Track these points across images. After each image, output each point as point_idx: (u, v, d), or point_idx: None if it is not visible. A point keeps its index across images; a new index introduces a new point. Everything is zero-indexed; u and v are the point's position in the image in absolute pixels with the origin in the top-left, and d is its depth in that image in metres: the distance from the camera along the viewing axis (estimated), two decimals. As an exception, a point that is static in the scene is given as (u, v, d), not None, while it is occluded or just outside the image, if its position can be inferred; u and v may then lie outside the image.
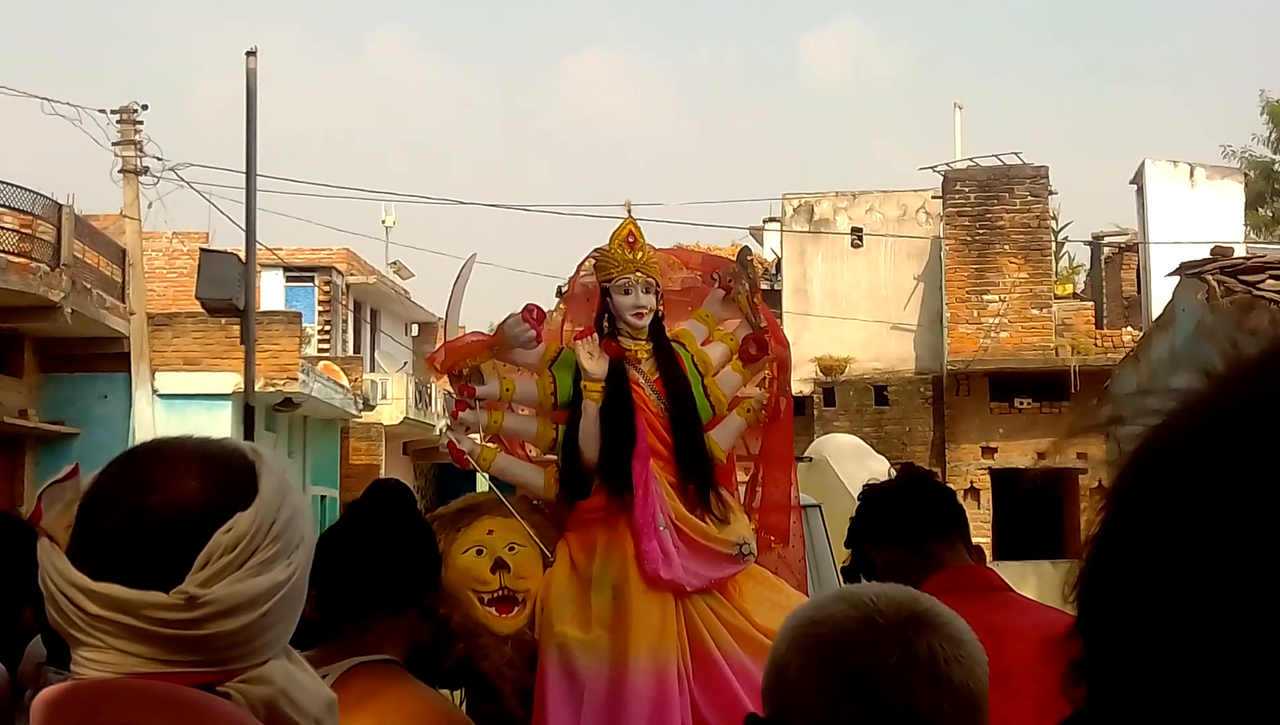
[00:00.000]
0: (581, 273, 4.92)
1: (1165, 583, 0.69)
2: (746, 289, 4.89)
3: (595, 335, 4.72)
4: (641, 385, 4.65)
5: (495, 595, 4.42)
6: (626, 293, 4.67)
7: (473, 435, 4.76)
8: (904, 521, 2.96)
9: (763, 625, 4.45)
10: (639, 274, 4.68)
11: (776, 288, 26.21)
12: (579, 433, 4.61)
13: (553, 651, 4.37)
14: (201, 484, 1.47)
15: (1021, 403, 23.80)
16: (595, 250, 4.81)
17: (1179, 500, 0.70)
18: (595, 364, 4.64)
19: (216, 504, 1.46)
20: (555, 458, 4.71)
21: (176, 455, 1.51)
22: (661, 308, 4.78)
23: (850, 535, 3.10)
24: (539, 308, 4.65)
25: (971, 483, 23.92)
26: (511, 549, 4.48)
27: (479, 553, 4.46)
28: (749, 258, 5.05)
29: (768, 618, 4.48)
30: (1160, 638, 0.69)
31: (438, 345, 4.99)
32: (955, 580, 2.82)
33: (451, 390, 4.68)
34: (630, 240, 4.73)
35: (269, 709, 1.43)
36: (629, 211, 4.83)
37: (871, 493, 3.11)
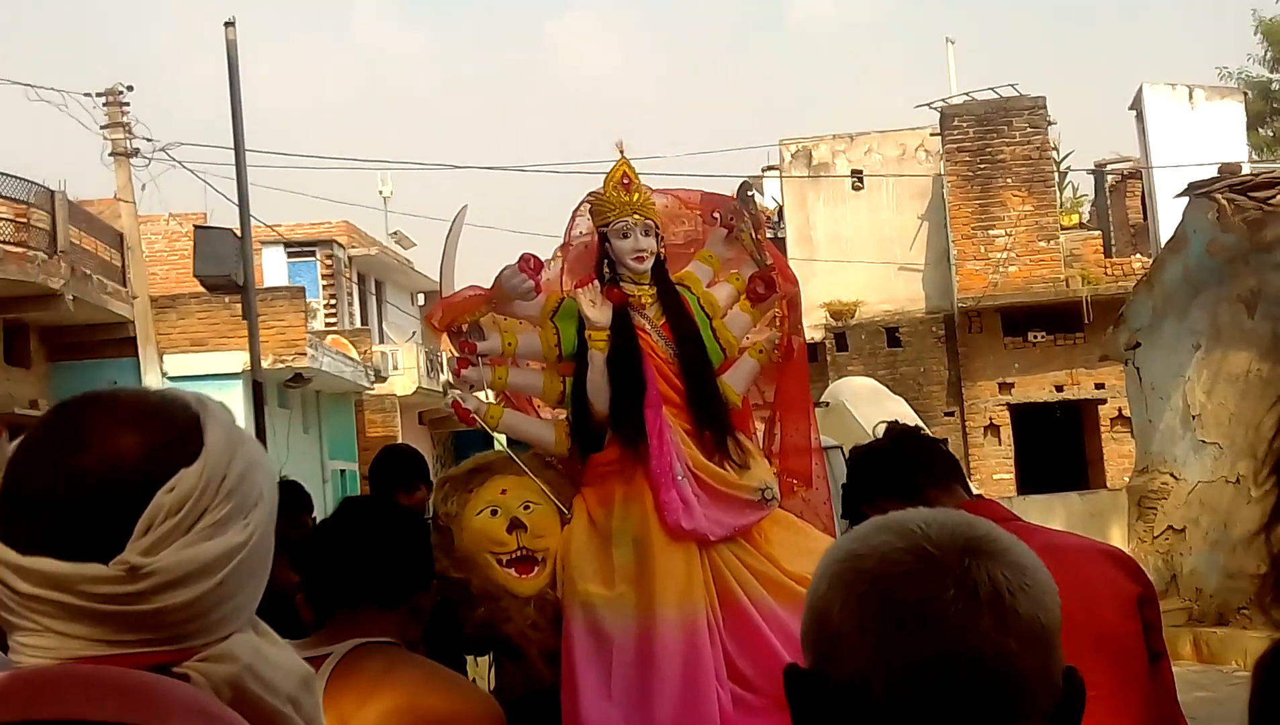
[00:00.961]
0: (577, 218, 4.75)
1: None
2: (750, 227, 4.72)
3: (596, 282, 4.56)
4: (648, 331, 4.49)
5: (514, 556, 4.30)
6: (625, 236, 4.51)
7: (479, 393, 4.61)
8: (896, 473, 2.85)
9: (792, 571, 4.32)
10: (636, 216, 4.52)
11: (780, 235, 25.98)
12: (587, 384, 4.46)
13: (577, 610, 4.24)
14: (139, 439, 1.28)
15: (1035, 336, 23.61)
16: (590, 194, 4.65)
17: None
18: (598, 312, 4.48)
19: (157, 461, 1.27)
20: (565, 411, 4.57)
21: (110, 408, 1.31)
22: (663, 251, 4.61)
23: (845, 502, 3.00)
24: (536, 257, 4.49)
25: (990, 419, 23.78)
26: (527, 507, 4.34)
27: (493, 513, 4.33)
28: (750, 193, 4.88)
29: (797, 563, 4.34)
30: None
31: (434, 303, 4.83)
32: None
33: (452, 348, 4.52)
34: (625, 182, 4.57)
35: (234, 689, 1.26)
36: (621, 152, 4.65)
37: (859, 455, 3.02)
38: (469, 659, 4.94)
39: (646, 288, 4.56)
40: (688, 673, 4.09)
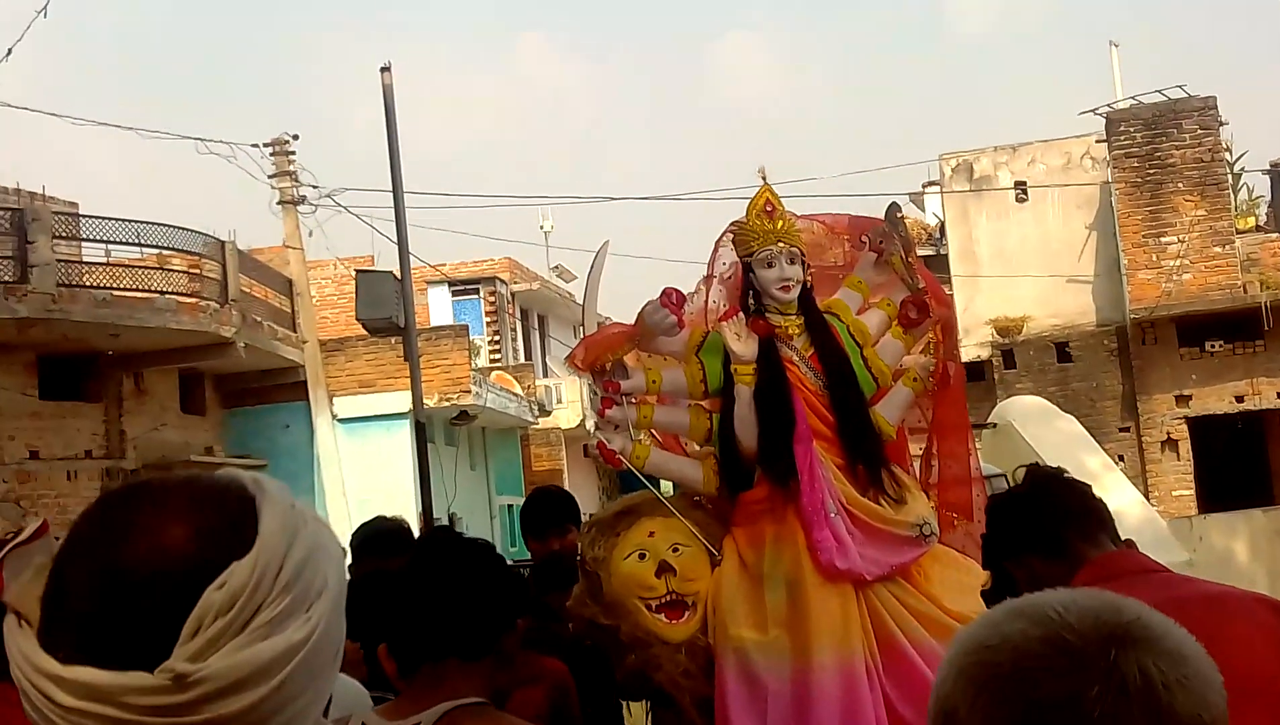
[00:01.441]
0: (720, 249, 4.62)
1: None
2: (900, 249, 4.55)
3: (741, 314, 4.43)
4: (796, 363, 4.35)
5: (663, 601, 4.18)
6: (770, 266, 4.37)
7: (628, 432, 4.50)
8: (1038, 526, 2.62)
9: (954, 610, 4.13)
10: (781, 244, 4.38)
11: (942, 252, 25.52)
12: (734, 420, 4.33)
13: (730, 656, 4.11)
14: (187, 529, 1.17)
15: (1213, 345, 22.75)
16: (732, 224, 4.52)
17: None
18: (744, 345, 4.35)
19: (206, 553, 1.16)
20: (712, 449, 4.44)
21: (156, 496, 1.20)
22: (810, 277, 4.46)
23: (985, 554, 2.79)
24: (678, 291, 4.37)
25: (1168, 434, 22.97)
26: (675, 550, 4.23)
27: (641, 557, 4.22)
28: (898, 215, 4.71)
29: (959, 602, 4.16)
30: None
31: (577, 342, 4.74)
32: (1105, 568, 2.50)
33: (596, 387, 4.42)
34: (769, 209, 4.43)
35: None
36: (764, 178, 4.52)
37: (998, 504, 2.79)
38: (624, 706, 4.84)
39: (793, 317, 4.42)
40: (846, 718, 3.93)
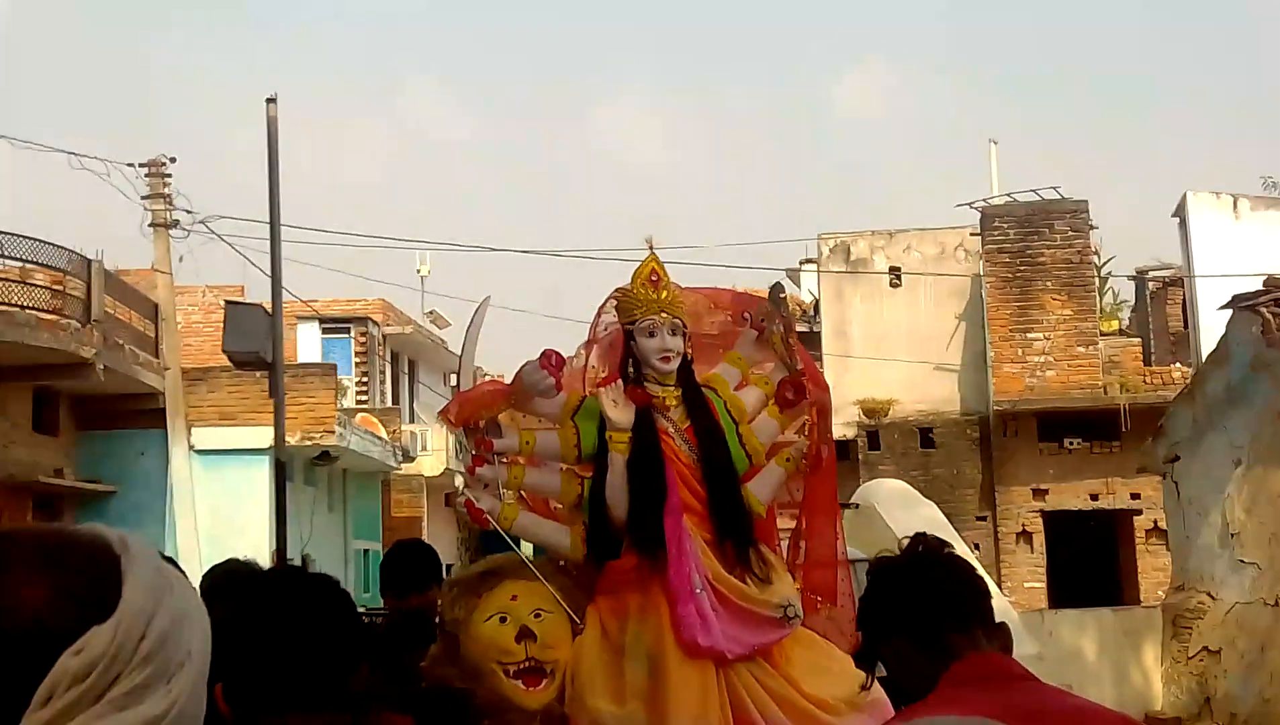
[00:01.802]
0: (603, 314, 4.59)
1: None
2: (781, 329, 4.55)
3: (620, 382, 4.39)
4: (671, 434, 4.32)
5: (522, 666, 4.11)
6: (651, 335, 4.35)
7: (498, 492, 4.42)
8: (913, 609, 2.56)
9: (812, 694, 4.13)
10: (664, 315, 4.36)
11: (815, 329, 25.82)
12: (605, 487, 4.29)
13: (584, 727, 4.05)
14: (44, 589, 1.08)
15: (1071, 443, 23.26)
16: (616, 290, 4.49)
17: None
18: (621, 413, 4.31)
19: (63, 616, 1.07)
20: (582, 515, 4.38)
21: (12, 550, 1.11)
22: (690, 351, 4.44)
23: (859, 622, 2.73)
24: (558, 354, 4.32)
25: (1023, 526, 23.39)
26: (537, 615, 4.16)
27: (502, 620, 4.14)
28: (781, 295, 4.73)
29: (817, 686, 4.15)
30: None
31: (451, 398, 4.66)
32: (975, 669, 2.46)
33: (468, 444, 4.34)
34: (654, 279, 4.41)
35: None
36: (651, 248, 4.50)
37: (878, 573, 2.71)
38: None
39: (672, 389, 4.40)
40: (699, 800, 3.87)
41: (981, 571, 2.78)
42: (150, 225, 19.53)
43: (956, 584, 2.60)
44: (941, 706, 2.42)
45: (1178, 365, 24.04)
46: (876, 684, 4.35)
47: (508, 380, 4.47)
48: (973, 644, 2.51)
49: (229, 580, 5.02)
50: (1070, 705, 2.47)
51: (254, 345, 13.47)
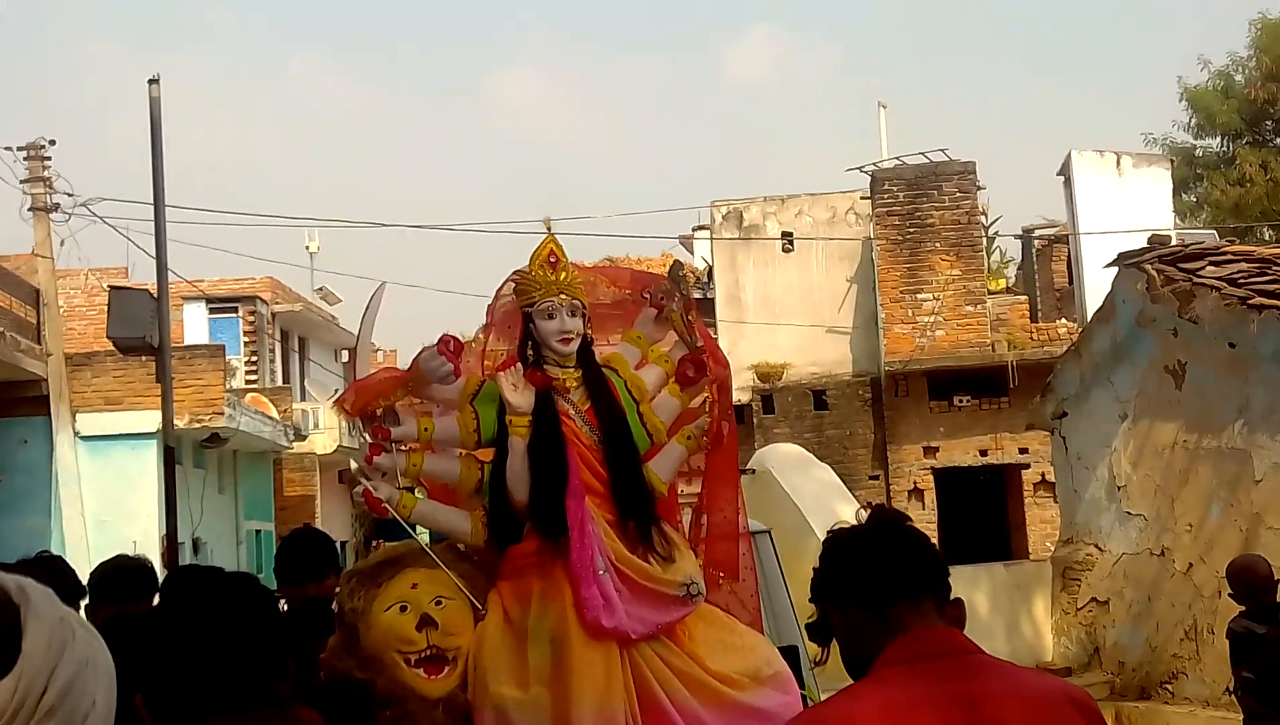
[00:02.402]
0: (501, 297, 4.54)
1: None
2: (680, 307, 4.54)
3: (519, 365, 4.35)
4: (572, 416, 4.30)
5: (423, 655, 4.07)
6: (550, 317, 4.32)
7: (396, 480, 4.37)
8: (866, 579, 2.56)
9: (716, 670, 4.14)
10: (563, 296, 4.33)
11: (709, 296, 25.90)
12: (506, 472, 4.25)
13: (488, 714, 4.02)
14: None
15: (961, 400, 23.62)
16: (515, 273, 4.45)
17: None
18: (520, 396, 4.28)
19: None
20: (482, 500, 4.34)
21: None
22: (590, 332, 4.42)
23: (813, 589, 2.71)
24: (455, 339, 4.28)
25: (915, 483, 23.72)
26: (438, 603, 4.12)
27: (403, 609, 4.10)
28: (681, 272, 4.71)
29: (721, 661, 4.17)
30: None
31: (346, 385, 4.59)
32: (917, 645, 2.46)
33: (365, 433, 4.28)
34: (552, 260, 4.38)
35: None
36: (549, 229, 4.47)
37: (836, 541, 2.70)
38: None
39: (571, 371, 4.37)
40: (606, 781, 3.87)
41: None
42: (30, 209, 19.05)
43: (909, 555, 2.58)
44: (868, 690, 2.42)
45: (1063, 321, 24.47)
46: (780, 658, 4.40)
47: (401, 357, 4.42)
48: (921, 617, 2.50)
49: (116, 577, 4.92)
50: (1007, 686, 2.46)
51: (139, 330, 13.19)
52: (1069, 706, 2.46)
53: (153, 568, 5.08)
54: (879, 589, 2.53)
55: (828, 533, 2.74)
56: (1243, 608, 7.73)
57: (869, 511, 2.73)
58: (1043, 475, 22.44)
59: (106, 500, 19.21)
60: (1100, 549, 14.59)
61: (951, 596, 2.63)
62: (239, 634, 2.34)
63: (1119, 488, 14.15)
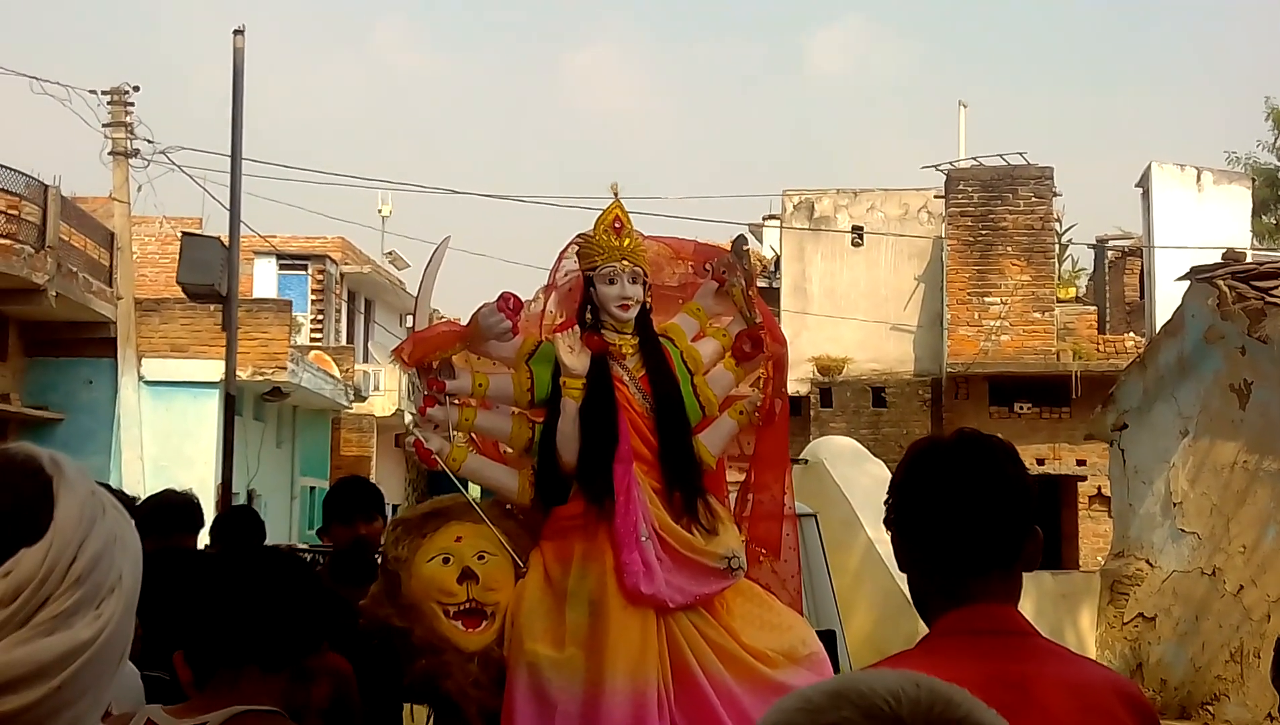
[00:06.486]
0: (564, 260, 4.56)
1: None
2: (742, 282, 4.54)
3: (577, 328, 4.37)
4: (626, 383, 4.31)
5: (462, 608, 4.10)
6: (611, 282, 4.33)
7: (447, 433, 4.40)
8: (938, 538, 2.41)
9: (751, 646, 4.14)
10: (625, 262, 4.34)
11: (775, 285, 25.82)
12: (557, 433, 4.28)
13: (522, 670, 4.05)
14: None
15: (1021, 407, 23.44)
16: (579, 236, 4.46)
17: None
18: (576, 358, 4.30)
19: None
20: (531, 459, 4.37)
21: None
22: (649, 299, 4.43)
23: (891, 510, 2.52)
24: (516, 297, 4.30)
25: (969, 488, 23.52)
26: (481, 558, 4.15)
27: (445, 561, 4.14)
28: (744, 248, 4.69)
29: (757, 638, 4.17)
30: None
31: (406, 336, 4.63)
32: (970, 621, 2.37)
33: (420, 384, 4.32)
34: (617, 226, 4.39)
35: None
36: (616, 194, 4.47)
37: (920, 458, 2.48)
38: (406, 710, 4.74)
39: (629, 337, 4.38)
40: (633, 747, 3.89)
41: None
42: (110, 153, 19.28)
43: (983, 523, 2.39)
44: (916, 661, 2.32)
45: (1131, 334, 24.21)
46: (816, 639, 4.40)
47: (464, 322, 4.45)
48: (986, 590, 2.39)
49: (162, 511, 4.99)
50: (1058, 673, 2.35)
51: (209, 277, 13.35)
52: (1116, 701, 2.37)
53: (198, 504, 5.14)
54: (953, 556, 2.42)
55: (912, 445, 2.57)
56: (1291, 630, 7.63)
57: (954, 434, 2.56)
58: (1099, 489, 22.21)
59: (166, 446, 19.46)
60: (1151, 564, 14.45)
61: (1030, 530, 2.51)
62: (284, 602, 2.45)
63: (1175, 504, 13.99)
